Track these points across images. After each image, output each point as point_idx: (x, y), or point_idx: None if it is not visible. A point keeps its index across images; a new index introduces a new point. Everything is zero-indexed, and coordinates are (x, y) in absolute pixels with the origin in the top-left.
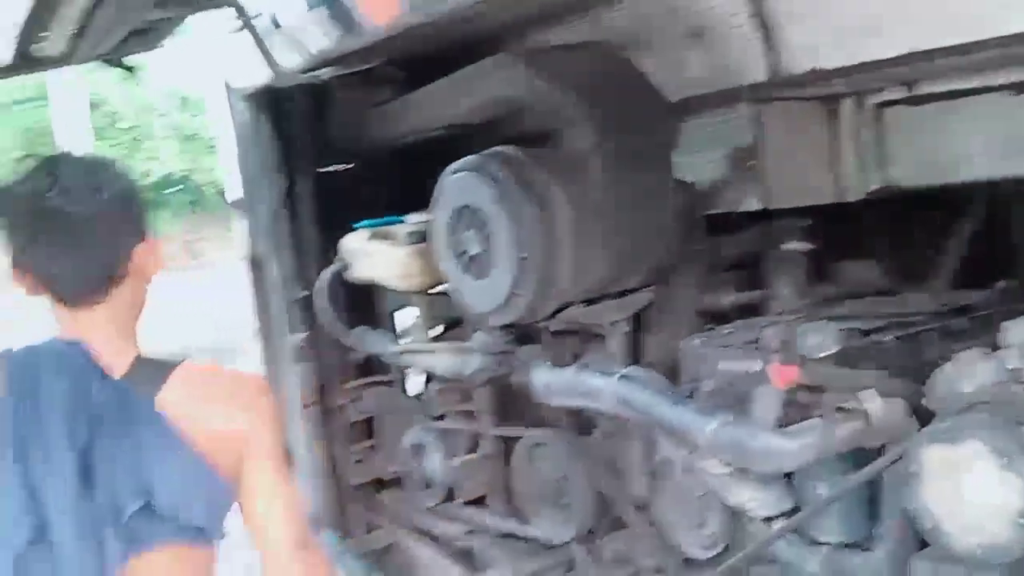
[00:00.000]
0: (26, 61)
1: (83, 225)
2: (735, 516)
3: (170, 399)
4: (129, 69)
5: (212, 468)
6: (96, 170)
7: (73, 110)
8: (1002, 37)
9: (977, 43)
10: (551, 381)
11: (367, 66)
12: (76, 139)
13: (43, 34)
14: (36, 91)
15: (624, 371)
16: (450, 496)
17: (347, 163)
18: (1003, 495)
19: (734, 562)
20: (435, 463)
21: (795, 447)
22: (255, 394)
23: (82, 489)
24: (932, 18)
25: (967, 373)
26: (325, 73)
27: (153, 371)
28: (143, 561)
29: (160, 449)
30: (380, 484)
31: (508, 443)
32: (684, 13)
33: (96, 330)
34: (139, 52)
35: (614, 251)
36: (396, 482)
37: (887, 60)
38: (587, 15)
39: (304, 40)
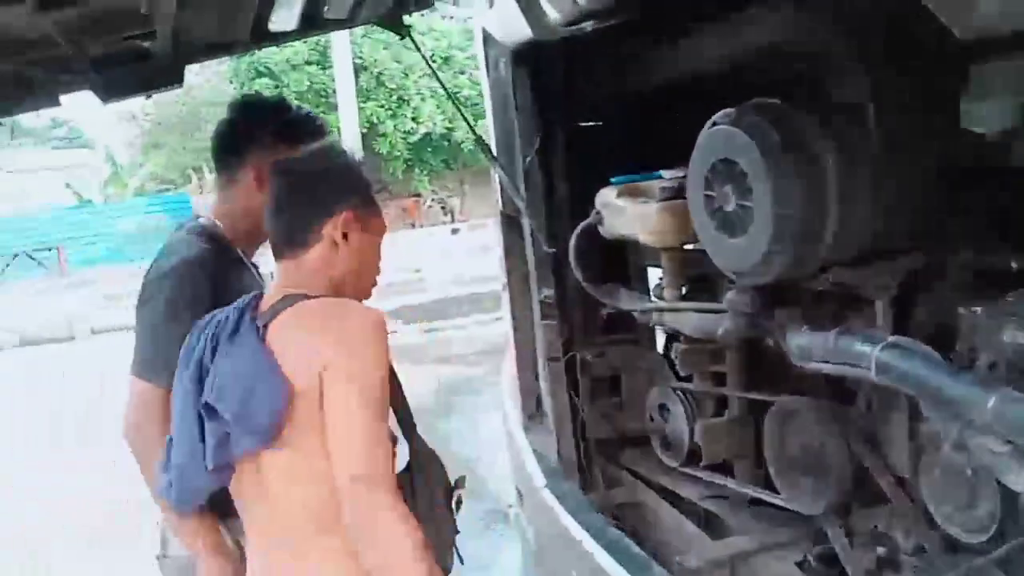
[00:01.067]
0: (313, 24)
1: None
2: (1010, 499)
3: (276, 326)
4: (405, 30)
5: (285, 385)
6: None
7: (346, 72)
8: None
9: None
10: (810, 345)
11: (627, 18)
12: (347, 100)
13: None
14: (320, 55)
15: (891, 339)
16: (694, 458)
17: (601, 119)
18: None
19: (1009, 549)
20: (680, 424)
21: None
22: (351, 326)
23: (194, 396)
24: None
25: None
26: (587, 26)
27: (283, 305)
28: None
29: (243, 363)
30: (624, 441)
31: (756, 408)
32: None
33: (280, 279)
34: (413, 12)
35: (885, 208)
36: (640, 440)
37: None
38: None
39: None
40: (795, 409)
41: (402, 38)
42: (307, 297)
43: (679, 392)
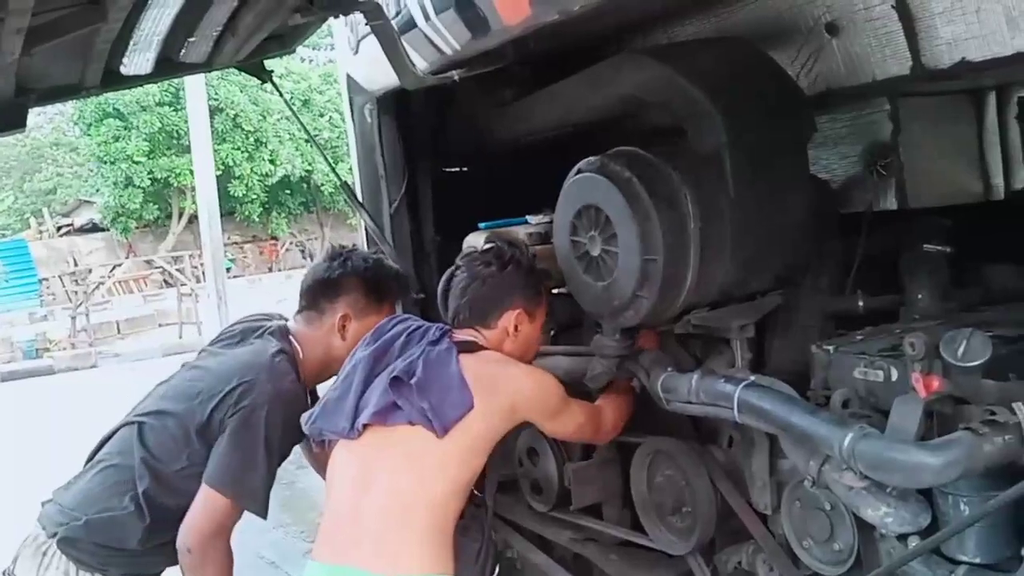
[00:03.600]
0: (168, 68)
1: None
2: (866, 532)
3: (468, 356)
4: (267, 74)
5: (463, 390)
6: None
7: (200, 114)
8: None
9: None
10: (674, 386)
11: (494, 67)
12: (201, 142)
13: (189, 40)
14: (172, 95)
15: (751, 378)
16: (564, 502)
17: (468, 165)
18: None
19: None
20: (549, 468)
21: (940, 462)
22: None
23: (369, 365)
24: None
25: None
26: (455, 74)
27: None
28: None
29: (437, 364)
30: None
31: (624, 450)
32: (821, 4)
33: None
34: (274, 56)
35: (743, 253)
36: (511, 486)
37: None
38: (720, 9)
39: (434, 41)
40: (660, 449)
41: (263, 83)
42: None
43: (548, 436)
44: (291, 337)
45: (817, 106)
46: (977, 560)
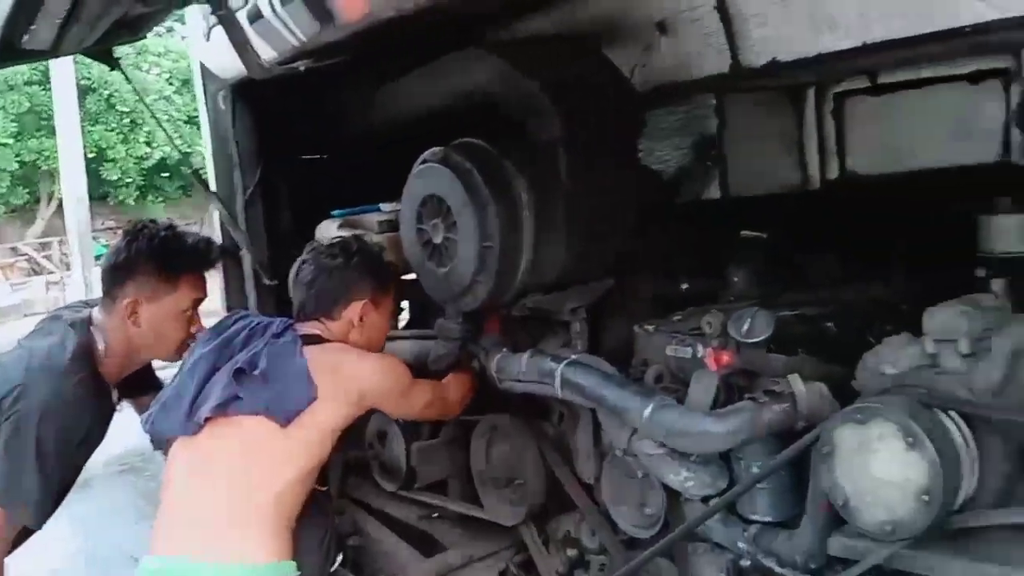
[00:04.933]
0: (12, 53)
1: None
2: (672, 496)
3: (313, 348)
4: (114, 62)
5: (307, 381)
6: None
7: (68, 94)
8: (955, 28)
9: (931, 35)
10: (506, 366)
11: (343, 58)
12: (69, 123)
13: (31, 26)
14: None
15: (573, 356)
16: (411, 481)
17: (323, 153)
18: (908, 474)
19: (668, 541)
20: (397, 449)
21: (723, 429)
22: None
23: (211, 359)
24: (887, 11)
25: (891, 357)
26: (302, 65)
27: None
28: (235, 419)
29: (281, 356)
30: (347, 469)
31: (468, 428)
32: (652, 5)
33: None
34: (124, 43)
35: (577, 240)
36: (362, 467)
37: (844, 51)
38: (558, 6)
39: (281, 32)
40: (496, 425)
41: (112, 70)
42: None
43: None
44: (92, 328)
45: (649, 101)
46: (768, 518)
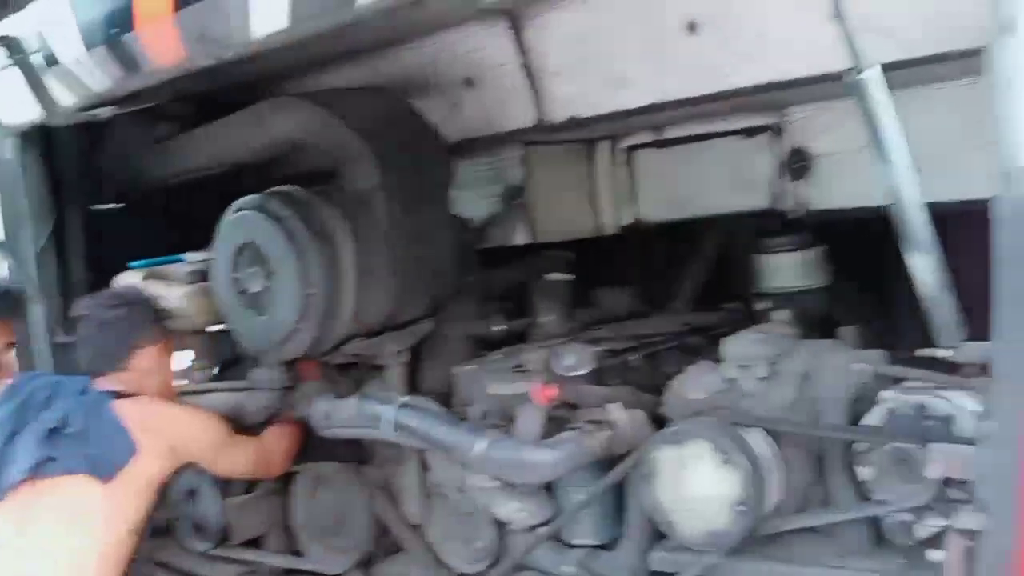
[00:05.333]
0: None
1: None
2: (501, 529)
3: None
4: None
5: (125, 435)
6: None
7: None
8: (732, 89)
9: (711, 94)
10: (334, 412)
11: (147, 105)
12: None
13: None
14: None
15: (404, 399)
16: (227, 538)
17: (120, 202)
18: (723, 487)
19: (498, 573)
20: (209, 505)
21: (554, 458)
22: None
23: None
24: (673, 72)
25: (694, 384)
26: (105, 112)
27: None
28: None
29: (93, 413)
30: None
31: (286, 479)
32: (459, 61)
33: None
34: None
35: (397, 285)
36: (167, 529)
37: (636, 109)
38: (367, 59)
39: (82, 78)
40: (320, 474)
41: None
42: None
43: (208, 474)
44: None
45: (459, 152)
46: (591, 542)
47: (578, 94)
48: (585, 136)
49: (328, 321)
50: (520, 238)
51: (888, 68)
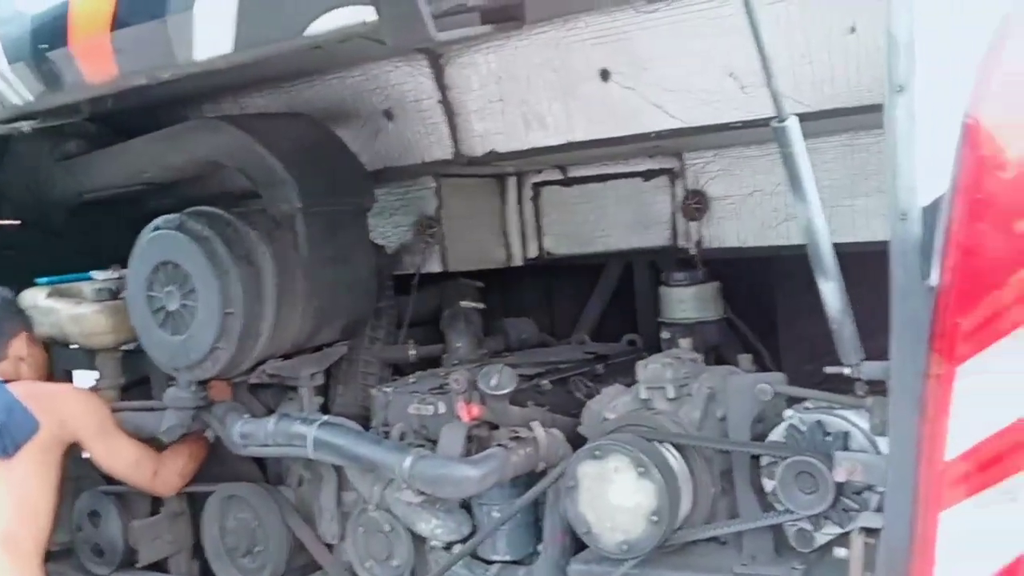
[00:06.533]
0: None
1: None
2: (419, 546)
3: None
4: None
5: (26, 412)
6: None
7: None
8: (638, 134)
9: (619, 138)
10: (252, 432)
11: (67, 120)
12: None
13: None
14: None
15: (325, 418)
16: (128, 562)
17: (20, 219)
18: (639, 499)
19: None
20: (113, 528)
21: (479, 474)
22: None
23: None
24: (586, 116)
25: (610, 404)
26: (25, 125)
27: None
28: None
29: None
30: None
31: (195, 500)
32: (379, 93)
33: None
34: None
35: (314, 308)
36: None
37: (549, 147)
38: (290, 86)
39: (3, 92)
40: (233, 495)
41: None
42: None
43: (111, 495)
44: None
45: (376, 180)
46: (507, 558)
47: (495, 131)
48: (496, 171)
49: (246, 341)
50: (433, 266)
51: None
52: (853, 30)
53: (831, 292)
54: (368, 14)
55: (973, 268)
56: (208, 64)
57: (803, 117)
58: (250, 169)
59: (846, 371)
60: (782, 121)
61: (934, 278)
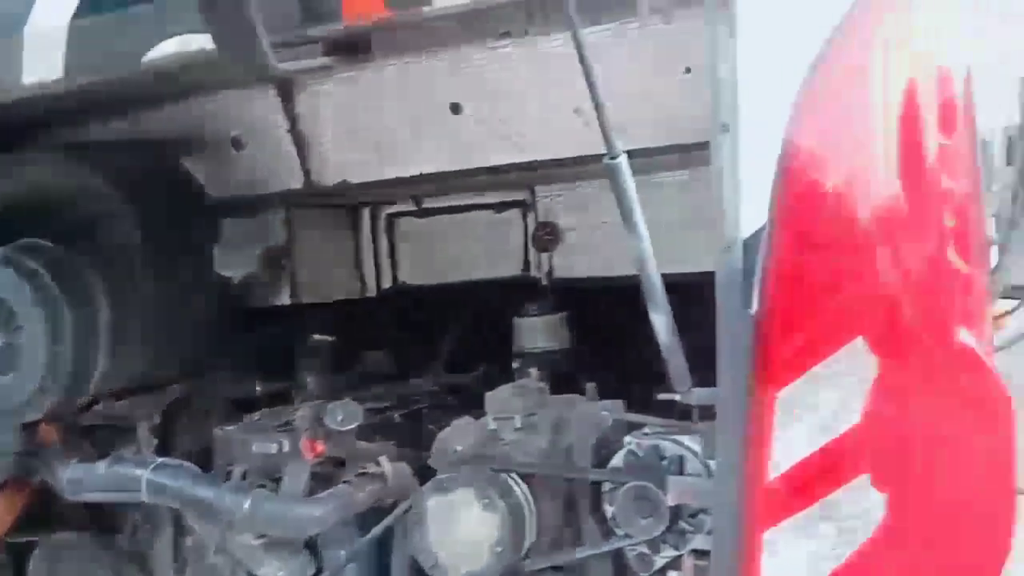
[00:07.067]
0: None
1: None
2: None
3: None
4: None
5: None
6: None
7: None
8: (489, 167)
9: (470, 170)
10: (82, 477)
11: None
12: None
13: None
14: None
15: (159, 460)
16: None
17: None
18: (484, 530)
19: None
20: None
21: (322, 511)
22: None
23: None
24: (437, 148)
25: (459, 436)
26: None
27: None
28: None
29: None
30: None
31: (19, 551)
32: (227, 121)
33: None
34: None
35: (152, 345)
36: None
37: (402, 179)
38: (132, 113)
39: None
40: (61, 545)
41: None
42: None
43: None
44: None
45: (223, 210)
46: None
47: (347, 162)
48: (349, 202)
49: (78, 381)
50: (282, 299)
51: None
52: (689, 70)
53: (661, 323)
54: (206, 42)
55: (790, 297)
56: (38, 89)
57: (644, 153)
58: (85, 201)
59: (677, 398)
60: (613, 158)
61: (755, 307)
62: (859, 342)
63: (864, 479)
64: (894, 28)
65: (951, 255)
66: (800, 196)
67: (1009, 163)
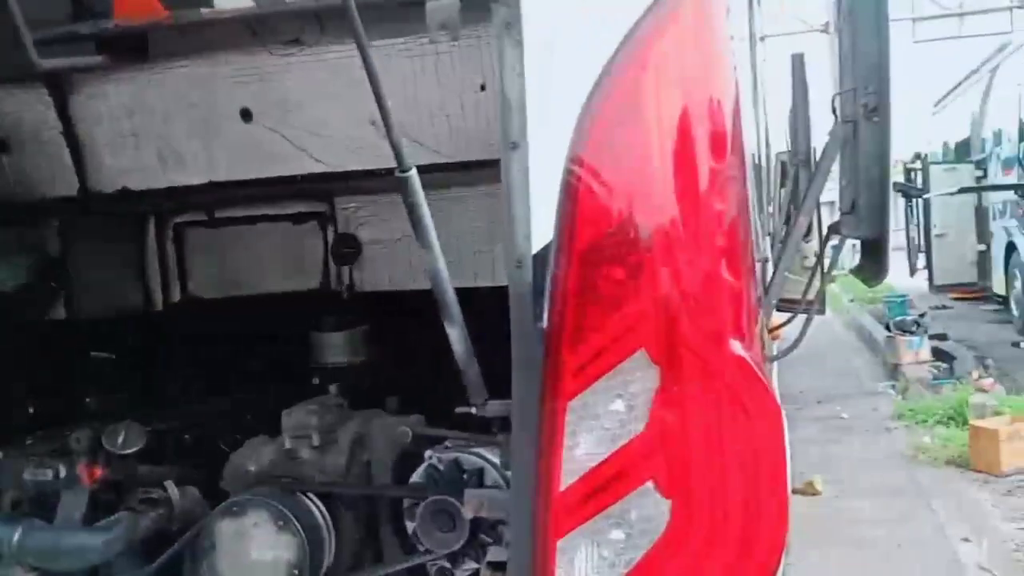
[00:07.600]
0: None
1: None
2: None
3: None
4: None
5: None
6: None
7: None
8: (283, 176)
9: (263, 179)
10: None
11: None
12: None
13: None
14: None
15: None
16: None
17: None
18: (279, 553)
19: None
20: None
21: (102, 540)
22: None
23: None
24: (226, 155)
25: (252, 456)
26: None
27: None
28: None
29: None
30: None
31: None
32: None
33: None
34: None
35: None
36: None
37: (189, 187)
38: None
39: None
40: None
41: None
42: None
43: None
44: None
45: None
46: None
47: (128, 168)
48: (133, 211)
49: None
50: (59, 313)
51: (425, 170)
52: (483, 87)
53: (456, 336)
54: None
55: (576, 311)
56: None
57: (442, 168)
58: None
59: (472, 411)
60: (404, 171)
61: (544, 320)
62: (641, 354)
63: (650, 485)
64: (667, 55)
65: (724, 271)
66: (582, 214)
67: (782, 186)
